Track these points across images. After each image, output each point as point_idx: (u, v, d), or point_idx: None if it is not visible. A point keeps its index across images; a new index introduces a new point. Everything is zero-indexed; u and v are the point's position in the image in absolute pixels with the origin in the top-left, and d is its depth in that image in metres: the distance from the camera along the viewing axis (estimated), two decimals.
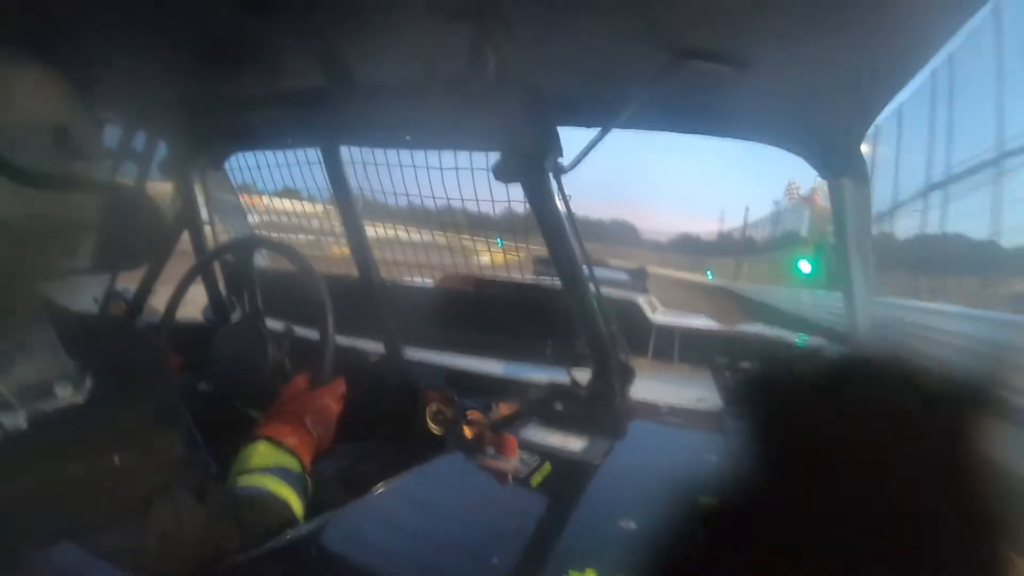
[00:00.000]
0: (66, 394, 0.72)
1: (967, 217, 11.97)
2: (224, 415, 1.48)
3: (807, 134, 1.50)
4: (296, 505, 1.06)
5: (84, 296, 1.78)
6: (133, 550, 0.74)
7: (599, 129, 1.35)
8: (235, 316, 1.66)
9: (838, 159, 1.52)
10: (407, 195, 1.82)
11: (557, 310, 1.54)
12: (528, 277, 2.21)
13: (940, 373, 0.41)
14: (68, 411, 0.72)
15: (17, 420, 0.67)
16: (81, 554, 0.70)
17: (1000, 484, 0.38)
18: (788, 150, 1.55)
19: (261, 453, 1.12)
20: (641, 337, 2.17)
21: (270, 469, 1.10)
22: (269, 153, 2.08)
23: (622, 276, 3.97)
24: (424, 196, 1.79)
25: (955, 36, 1.00)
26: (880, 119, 1.35)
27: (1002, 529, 0.38)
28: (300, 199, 2.28)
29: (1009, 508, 0.38)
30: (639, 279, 4.03)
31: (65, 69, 0.77)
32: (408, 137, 1.54)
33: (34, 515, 0.66)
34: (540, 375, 1.68)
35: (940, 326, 6.83)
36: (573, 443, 1.26)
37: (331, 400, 1.31)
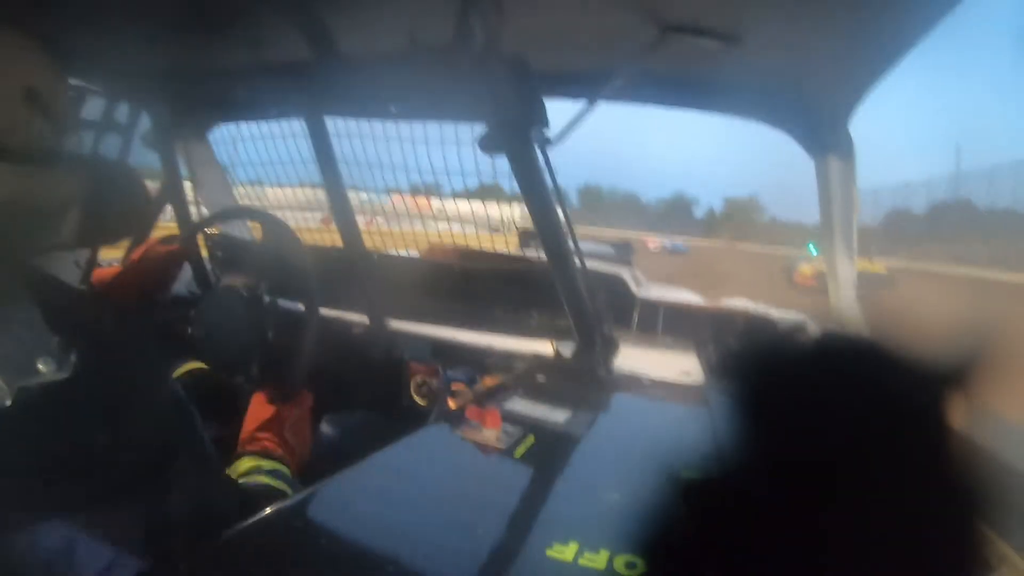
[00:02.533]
0: (50, 370, 0.72)
1: None
2: (217, 388, 1.49)
3: (794, 111, 1.51)
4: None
5: (69, 271, 1.77)
6: (125, 527, 0.74)
7: (586, 102, 1.35)
8: (219, 289, 1.65)
9: (825, 137, 1.52)
10: (392, 166, 1.80)
11: (542, 283, 1.54)
12: (513, 249, 2.21)
13: (922, 352, 0.41)
14: (52, 387, 0.71)
15: (2, 398, 0.67)
16: (72, 532, 0.70)
17: (979, 462, 0.38)
18: (774, 127, 1.55)
19: (251, 463, 1.14)
20: (626, 310, 2.18)
21: (264, 471, 1.11)
22: (254, 124, 2.06)
23: (608, 250, 3.98)
24: (410, 168, 1.77)
25: (946, 16, 0.99)
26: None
27: (981, 507, 0.38)
28: (285, 171, 2.26)
29: (987, 487, 0.38)
30: (624, 253, 4.03)
31: (43, 38, 0.76)
32: (393, 108, 1.53)
33: (21, 494, 0.66)
34: (524, 347, 1.69)
35: None
36: (557, 415, 1.27)
37: (302, 414, 1.33)
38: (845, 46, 1.15)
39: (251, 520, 0.83)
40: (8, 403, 0.67)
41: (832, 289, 1.69)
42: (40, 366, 0.71)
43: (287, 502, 0.94)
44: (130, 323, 0.97)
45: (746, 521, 0.41)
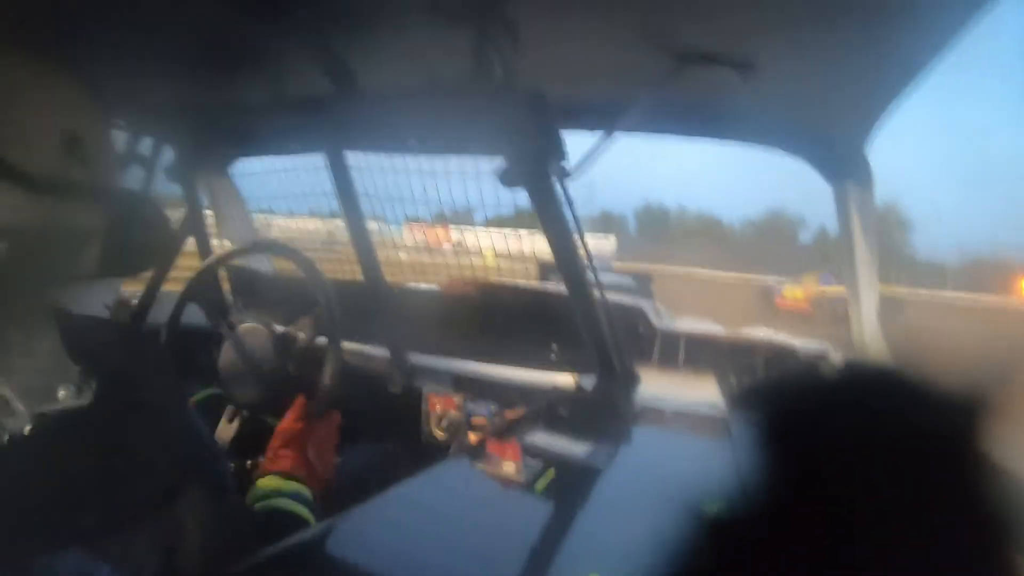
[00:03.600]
0: (70, 398, 0.72)
1: None
2: (239, 420, 1.50)
3: (810, 138, 1.50)
4: (313, 524, 1.07)
5: (89, 301, 1.78)
6: (141, 554, 0.74)
7: (604, 133, 1.35)
8: (240, 321, 1.66)
9: (843, 162, 1.51)
10: (413, 200, 1.81)
11: (562, 315, 1.54)
12: (533, 282, 2.21)
13: (946, 380, 0.40)
14: (71, 415, 0.72)
15: (21, 424, 0.67)
16: (89, 559, 0.69)
17: (1006, 489, 0.38)
18: (791, 154, 1.54)
19: (273, 483, 1.14)
20: (647, 342, 2.16)
21: (285, 494, 1.11)
22: (275, 159, 2.08)
23: (627, 282, 3.98)
24: (430, 201, 1.78)
25: (961, 35, 0.99)
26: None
27: (1010, 533, 0.37)
28: (306, 205, 2.28)
29: (1015, 511, 0.38)
30: (644, 285, 4.03)
31: (77, 75, 0.77)
32: (413, 142, 1.54)
33: (40, 520, 0.66)
34: (545, 380, 1.68)
35: None
36: (577, 448, 1.26)
37: (328, 432, 1.33)
38: (859, 71, 1.14)
39: (269, 550, 0.83)
40: (28, 429, 0.67)
41: (854, 316, 1.67)
42: (60, 393, 0.72)
43: (305, 534, 0.94)
44: (149, 351, 0.97)
45: (770, 553, 0.41)
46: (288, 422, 1.30)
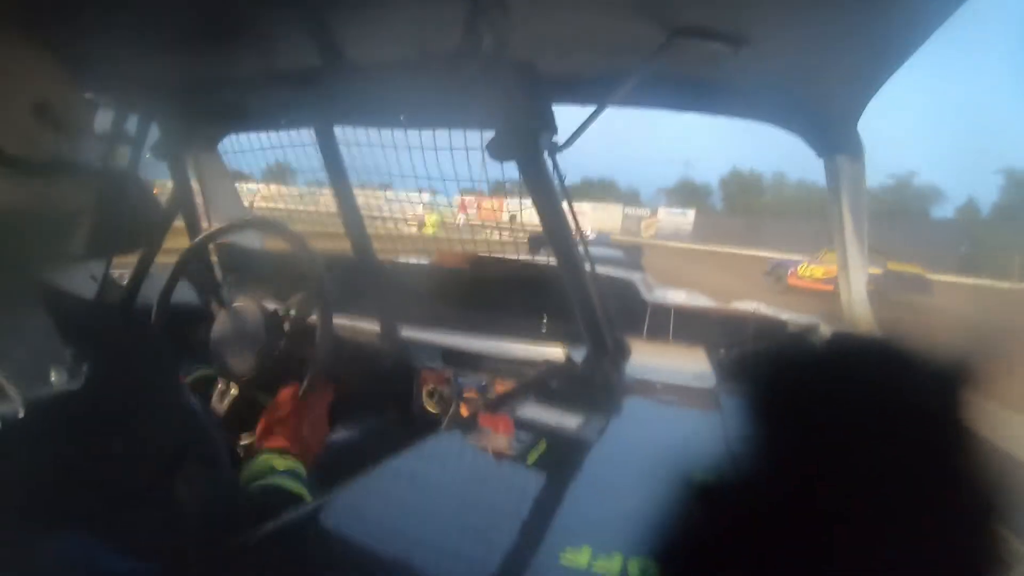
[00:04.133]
0: (62, 380, 0.72)
1: None
2: (231, 396, 1.50)
3: (803, 112, 1.50)
4: (309, 501, 1.08)
5: (80, 281, 1.78)
6: (140, 534, 0.75)
7: (595, 107, 1.35)
8: (231, 298, 1.66)
9: (834, 137, 1.52)
10: (402, 175, 1.80)
11: (552, 288, 1.54)
12: (523, 255, 2.21)
13: (932, 353, 0.41)
14: (65, 397, 0.72)
15: (13, 407, 0.67)
16: (88, 540, 0.70)
17: (991, 463, 0.38)
18: (783, 128, 1.55)
19: (268, 462, 1.15)
20: (637, 315, 2.17)
21: (280, 472, 1.12)
22: (263, 135, 2.07)
23: (618, 255, 3.99)
24: (419, 176, 1.77)
25: (955, 13, 0.99)
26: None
27: (997, 506, 0.38)
28: (295, 180, 2.27)
29: (1001, 487, 0.38)
30: (634, 258, 4.04)
31: (53, 49, 0.76)
32: (402, 116, 1.53)
33: (37, 504, 0.66)
34: (536, 353, 1.69)
35: None
36: (569, 421, 1.27)
37: (321, 410, 1.34)
38: (853, 46, 1.14)
39: (265, 526, 0.84)
40: (20, 413, 0.67)
41: (844, 290, 1.68)
42: (52, 376, 0.72)
43: (300, 509, 0.95)
44: (142, 332, 0.97)
45: (759, 524, 0.41)
46: (283, 398, 1.30)
